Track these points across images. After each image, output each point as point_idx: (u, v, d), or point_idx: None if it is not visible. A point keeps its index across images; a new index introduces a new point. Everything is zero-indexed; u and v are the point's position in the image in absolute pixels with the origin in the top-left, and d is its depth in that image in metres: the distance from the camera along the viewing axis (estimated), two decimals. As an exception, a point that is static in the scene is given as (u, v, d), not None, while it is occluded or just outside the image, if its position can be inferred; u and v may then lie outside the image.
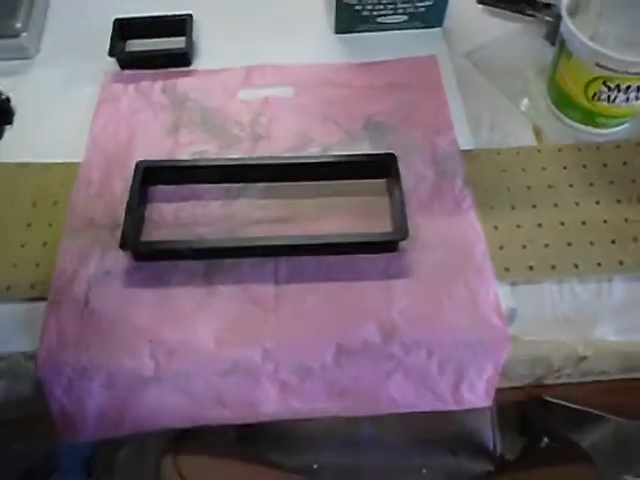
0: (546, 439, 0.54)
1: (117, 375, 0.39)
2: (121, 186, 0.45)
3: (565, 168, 0.47)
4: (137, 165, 0.44)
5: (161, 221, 0.44)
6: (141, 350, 0.39)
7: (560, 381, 0.44)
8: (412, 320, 0.39)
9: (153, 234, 0.43)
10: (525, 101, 0.51)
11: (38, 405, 0.41)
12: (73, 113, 0.51)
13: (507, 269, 0.42)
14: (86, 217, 0.44)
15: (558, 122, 0.50)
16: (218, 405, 0.41)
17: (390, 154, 0.45)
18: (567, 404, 0.51)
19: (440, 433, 0.55)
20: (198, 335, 0.39)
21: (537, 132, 0.49)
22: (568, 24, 0.44)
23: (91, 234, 0.43)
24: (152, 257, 0.42)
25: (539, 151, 0.48)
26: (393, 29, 0.56)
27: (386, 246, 0.42)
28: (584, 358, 0.41)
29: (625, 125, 0.49)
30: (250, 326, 0.40)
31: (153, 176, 0.45)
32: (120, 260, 0.42)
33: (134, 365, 0.39)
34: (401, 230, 0.41)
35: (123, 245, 0.41)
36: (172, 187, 0.45)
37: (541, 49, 0.54)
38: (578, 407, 0.51)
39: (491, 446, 0.55)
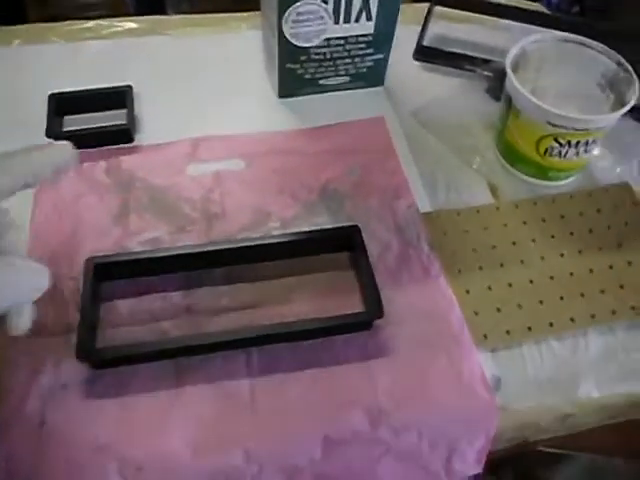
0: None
1: (83, 502, 0.35)
2: (71, 285, 0.42)
3: (525, 223, 0.47)
4: (87, 262, 0.41)
5: (118, 320, 0.41)
6: (108, 470, 0.35)
7: (546, 437, 0.44)
8: (398, 401, 0.38)
9: (111, 336, 0.40)
10: (477, 159, 0.51)
11: None
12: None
13: (485, 336, 0.41)
14: (35, 325, 0.40)
15: (511, 177, 0.50)
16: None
17: (353, 226, 0.43)
18: (542, 448, 0.51)
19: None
20: (171, 444, 0.36)
21: (493, 188, 0.49)
22: (515, 84, 0.45)
23: (42, 344, 0.39)
24: (112, 364, 0.38)
25: (498, 208, 0.48)
26: (336, 90, 0.56)
27: (360, 326, 0.40)
28: (570, 415, 0.40)
29: (575, 177, 0.50)
30: (228, 427, 0.37)
31: (105, 272, 0.41)
32: (77, 370, 0.38)
33: (101, 488, 0.35)
34: (375, 308, 0.39)
35: (79, 355, 0.37)
36: (127, 281, 0.42)
37: (484, 104, 0.55)
38: (552, 450, 0.51)
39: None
